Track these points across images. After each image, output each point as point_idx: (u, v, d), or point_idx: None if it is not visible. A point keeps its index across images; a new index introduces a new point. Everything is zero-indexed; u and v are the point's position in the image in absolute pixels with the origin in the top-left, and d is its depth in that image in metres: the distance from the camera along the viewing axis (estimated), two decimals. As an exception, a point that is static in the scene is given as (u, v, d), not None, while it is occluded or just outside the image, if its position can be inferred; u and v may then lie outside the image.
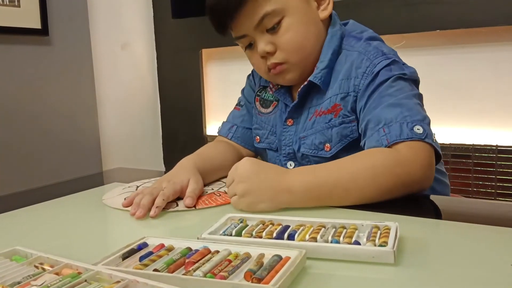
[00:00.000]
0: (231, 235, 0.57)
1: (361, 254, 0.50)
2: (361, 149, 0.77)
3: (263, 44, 0.83)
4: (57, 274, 0.47)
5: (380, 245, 0.50)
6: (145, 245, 0.55)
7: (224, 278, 0.44)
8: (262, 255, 0.49)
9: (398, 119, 0.73)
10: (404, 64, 0.83)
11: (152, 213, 0.70)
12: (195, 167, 0.84)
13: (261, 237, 0.55)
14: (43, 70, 1.76)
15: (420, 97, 0.80)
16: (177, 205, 0.75)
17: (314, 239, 0.53)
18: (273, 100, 0.95)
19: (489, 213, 0.73)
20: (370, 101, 0.78)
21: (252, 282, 0.43)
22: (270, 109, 0.94)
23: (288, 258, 0.47)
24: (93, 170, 1.88)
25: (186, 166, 0.84)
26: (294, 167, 0.89)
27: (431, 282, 0.46)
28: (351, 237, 0.53)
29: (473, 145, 1.54)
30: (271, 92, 0.95)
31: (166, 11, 2.13)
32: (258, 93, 0.99)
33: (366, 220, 0.58)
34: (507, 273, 0.47)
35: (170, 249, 0.53)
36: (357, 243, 0.52)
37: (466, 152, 1.55)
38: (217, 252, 0.50)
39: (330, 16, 0.89)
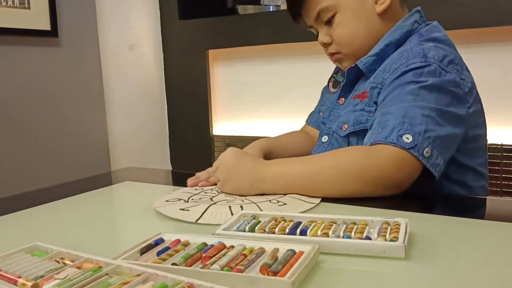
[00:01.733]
0: (244, 231, 0.58)
1: (373, 249, 0.51)
2: None
3: (322, 35, 0.94)
4: (78, 268, 0.49)
5: (391, 240, 0.51)
6: (161, 240, 0.56)
7: (241, 271, 0.45)
8: (276, 250, 0.50)
9: (395, 124, 0.74)
10: (449, 72, 0.79)
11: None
12: (261, 150, 0.98)
13: (274, 233, 0.57)
14: (52, 71, 1.79)
15: (441, 111, 0.76)
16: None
17: (326, 235, 0.55)
18: (340, 82, 1.03)
19: (497, 210, 0.74)
20: (388, 98, 0.80)
21: (268, 275, 0.45)
22: (336, 89, 1.03)
23: (301, 252, 0.49)
24: (102, 170, 1.90)
25: (253, 148, 0.98)
26: (327, 141, 0.96)
27: (442, 276, 0.47)
28: (362, 232, 0.54)
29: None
30: (340, 73, 1.04)
31: (173, 12, 2.15)
32: (334, 74, 1.09)
33: (376, 217, 0.59)
34: (515, 267, 0.48)
35: (186, 244, 0.54)
36: (368, 238, 0.53)
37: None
38: (232, 247, 0.52)
39: (403, 12, 0.92)
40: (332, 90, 1.05)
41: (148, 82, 2.22)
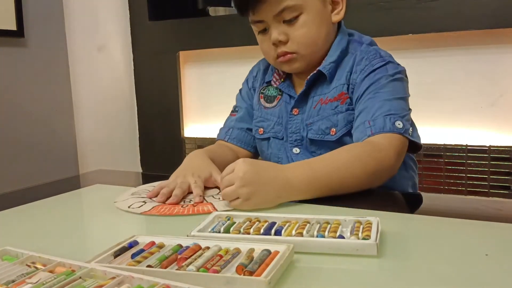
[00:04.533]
0: (219, 232, 0.59)
1: (346, 247, 0.52)
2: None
3: (277, 33, 0.90)
4: (50, 272, 0.48)
5: (364, 238, 0.53)
6: (135, 243, 0.56)
7: (217, 272, 0.46)
8: (252, 250, 0.51)
9: (383, 115, 0.84)
10: (398, 64, 0.93)
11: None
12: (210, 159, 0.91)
13: (249, 233, 0.57)
14: (18, 72, 1.74)
15: (407, 95, 0.91)
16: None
17: (300, 234, 0.55)
18: (276, 95, 1.02)
19: (463, 208, 0.77)
20: (366, 93, 0.88)
21: (244, 275, 0.45)
22: (274, 103, 1.02)
23: (277, 252, 0.49)
24: (70, 173, 1.86)
25: (203, 158, 0.92)
26: (299, 152, 0.96)
27: (413, 272, 0.48)
28: (335, 231, 0.55)
29: (444, 144, 1.59)
30: (275, 85, 1.02)
31: (143, 13, 2.13)
32: (261, 91, 1.06)
33: (348, 216, 0.60)
34: (482, 262, 0.50)
35: (161, 246, 0.54)
36: (341, 237, 0.54)
37: (438, 151, 1.60)
38: (208, 248, 0.52)
39: (340, 23, 0.98)
40: (269, 105, 1.02)
41: (118, 83, 2.19)
